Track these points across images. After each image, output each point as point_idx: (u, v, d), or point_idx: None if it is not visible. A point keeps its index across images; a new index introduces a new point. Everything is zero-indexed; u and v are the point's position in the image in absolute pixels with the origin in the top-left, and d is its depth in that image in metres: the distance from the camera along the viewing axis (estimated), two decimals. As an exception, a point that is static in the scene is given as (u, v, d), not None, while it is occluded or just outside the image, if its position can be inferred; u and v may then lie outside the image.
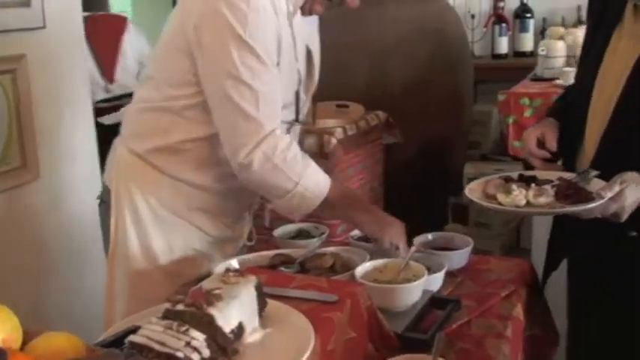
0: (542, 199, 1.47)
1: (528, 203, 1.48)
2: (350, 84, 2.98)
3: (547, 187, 1.50)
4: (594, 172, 1.51)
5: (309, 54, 1.68)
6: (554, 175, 1.57)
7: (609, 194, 1.41)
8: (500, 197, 1.50)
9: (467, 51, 3.41)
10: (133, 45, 3.67)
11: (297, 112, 1.64)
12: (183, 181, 1.59)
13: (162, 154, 1.60)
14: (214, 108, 1.50)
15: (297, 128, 1.74)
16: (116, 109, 3.63)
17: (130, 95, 1.62)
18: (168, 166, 1.59)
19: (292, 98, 1.62)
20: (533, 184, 1.51)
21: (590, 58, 1.65)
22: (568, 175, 1.56)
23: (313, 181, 1.54)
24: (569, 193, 1.47)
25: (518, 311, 1.52)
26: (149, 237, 1.61)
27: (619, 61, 1.56)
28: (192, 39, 1.48)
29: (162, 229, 1.62)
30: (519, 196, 1.48)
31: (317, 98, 2.80)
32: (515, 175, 1.61)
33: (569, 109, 1.72)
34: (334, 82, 2.98)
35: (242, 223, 1.76)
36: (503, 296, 1.53)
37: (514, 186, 1.50)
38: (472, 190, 1.59)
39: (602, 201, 1.40)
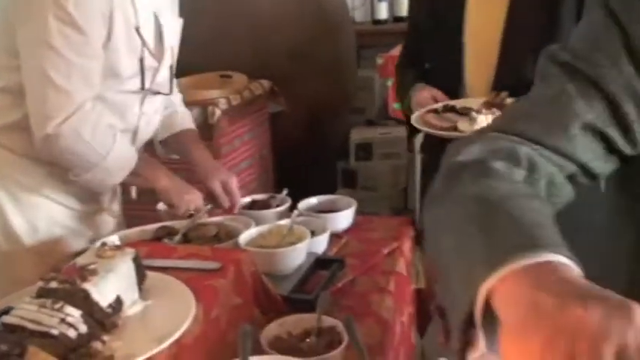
0: None
1: None
2: (233, 54, 2.95)
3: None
4: (505, 93, 1.61)
5: (158, 21, 1.63)
6: (472, 102, 1.66)
7: None
8: (463, 126, 1.59)
9: (347, 17, 3.45)
10: None
11: (144, 80, 1.60)
12: (36, 157, 1.53)
13: (9, 132, 1.54)
14: (25, 77, 1.46)
15: (156, 99, 1.69)
16: None
17: None
18: (19, 144, 1.53)
19: (137, 66, 1.58)
20: (493, 109, 1.61)
21: (449, 16, 1.73)
22: (486, 100, 1.65)
23: (120, 155, 1.54)
24: None
25: (401, 266, 1.57)
26: (9, 221, 1.55)
27: (489, 7, 1.66)
28: (13, 7, 1.45)
29: (22, 211, 1.56)
30: (483, 123, 1.56)
31: (199, 69, 2.79)
32: (439, 106, 1.71)
33: (429, 69, 1.81)
34: (217, 52, 2.96)
35: (106, 194, 1.72)
36: (386, 253, 1.58)
37: (474, 114, 1.58)
38: (423, 123, 1.69)
39: None
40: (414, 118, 1.71)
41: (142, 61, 1.57)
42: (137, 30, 1.54)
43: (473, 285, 0.63)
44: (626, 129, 0.83)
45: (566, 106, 0.82)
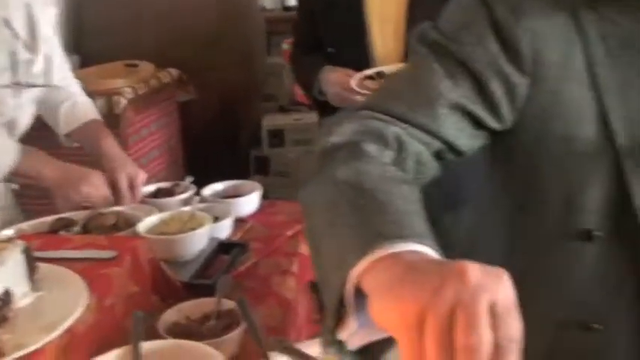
0: None
1: None
2: (140, 43, 2.91)
3: None
4: None
5: (30, 12, 1.57)
6: (398, 67, 1.70)
7: None
8: None
9: (256, 4, 3.45)
10: None
11: (16, 74, 1.54)
12: None
13: None
14: None
15: (33, 92, 1.63)
16: None
17: None
18: None
19: (7, 60, 1.52)
20: None
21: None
22: None
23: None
24: None
25: (305, 248, 1.58)
26: None
27: None
28: None
29: None
30: None
31: (105, 58, 2.73)
32: (372, 72, 1.73)
33: (332, 53, 1.84)
34: (124, 41, 2.91)
35: None
36: (290, 235, 1.60)
37: None
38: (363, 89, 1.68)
39: None
40: (353, 83, 1.68)
41: (13, 54, 1.52)
42: (6, 22, 1.48)
43: (343, 269, 0.64)
44: (492, 106, 0.86)
45: (432, 86, 0.85)
